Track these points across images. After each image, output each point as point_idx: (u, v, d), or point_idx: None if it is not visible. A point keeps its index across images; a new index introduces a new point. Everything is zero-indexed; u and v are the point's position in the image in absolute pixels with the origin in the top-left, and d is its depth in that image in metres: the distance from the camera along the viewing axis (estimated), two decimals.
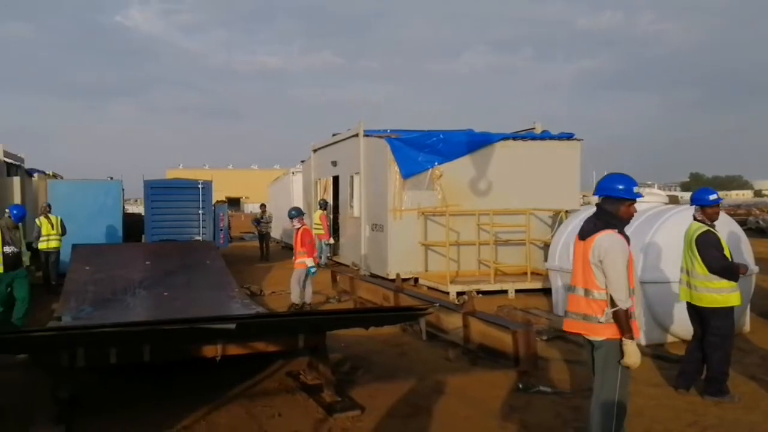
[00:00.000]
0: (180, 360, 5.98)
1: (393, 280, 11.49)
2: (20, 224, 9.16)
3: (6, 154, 19.55)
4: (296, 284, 10.82)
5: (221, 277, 12.30)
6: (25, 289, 8.96)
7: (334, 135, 17.97)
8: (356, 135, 15.56)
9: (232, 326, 5.07)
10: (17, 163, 20.92)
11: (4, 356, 7.12)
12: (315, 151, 19.89)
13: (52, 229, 13.30)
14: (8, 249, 8.61)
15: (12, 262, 8.68)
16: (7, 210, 9.22)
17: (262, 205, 22.33)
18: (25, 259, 9.49)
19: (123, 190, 16.32)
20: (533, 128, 15.53)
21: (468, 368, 7.14)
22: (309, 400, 6.07)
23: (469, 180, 13.97)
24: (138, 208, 24.84)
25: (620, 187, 4.31)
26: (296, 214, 11.00)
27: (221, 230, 17.41)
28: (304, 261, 10.71)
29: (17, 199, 17.03)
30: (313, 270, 10.77)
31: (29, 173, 21.76)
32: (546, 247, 12.32)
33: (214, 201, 17.72)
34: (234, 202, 74.65)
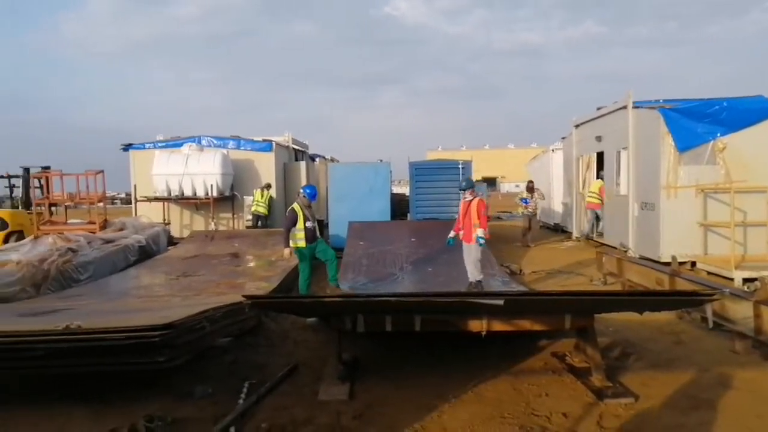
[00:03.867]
0: (447, 332, 6.20)
1: (667, 263, 10.60)
2: (313, 201, 10.04)
3: (294, 141, 22.40)
4: (472, 262, 10.01)
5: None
6: (329, 251, 9.99)
7: (598, 109, 17.08)
8: (624, 107, 14.57)
9: (500, 302, 5.12)
10: (302, 149, 23.78)
11: (299, 318, 8.20)
12: (577, 126, 19.12)
13: (261, 199, 17.72)
14: (309, 224, 9.60)
15: (312, 235, 9.64)
16: (300, 190, 10.21)
17: (530, 182, 19.52)
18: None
19: (391, 171, 17.45)
20: None
21: (760, 362, 6.36)
22: (577, 382, 5.90)
23: (760, 153, 12.26)
24: (401, 189, 26.39)
25: None
26: (467, 185, 10.33)
27: None
28: (476, 234, 9.81)
29: (303, 181, 19.38)
30: (481, 241, 9.90)
31: (312, 158, 24.60)
32: None
33: None
34: (491, 182, 75.55)
